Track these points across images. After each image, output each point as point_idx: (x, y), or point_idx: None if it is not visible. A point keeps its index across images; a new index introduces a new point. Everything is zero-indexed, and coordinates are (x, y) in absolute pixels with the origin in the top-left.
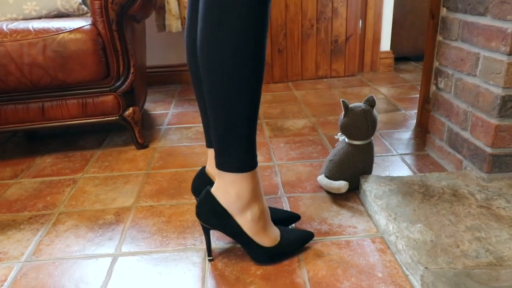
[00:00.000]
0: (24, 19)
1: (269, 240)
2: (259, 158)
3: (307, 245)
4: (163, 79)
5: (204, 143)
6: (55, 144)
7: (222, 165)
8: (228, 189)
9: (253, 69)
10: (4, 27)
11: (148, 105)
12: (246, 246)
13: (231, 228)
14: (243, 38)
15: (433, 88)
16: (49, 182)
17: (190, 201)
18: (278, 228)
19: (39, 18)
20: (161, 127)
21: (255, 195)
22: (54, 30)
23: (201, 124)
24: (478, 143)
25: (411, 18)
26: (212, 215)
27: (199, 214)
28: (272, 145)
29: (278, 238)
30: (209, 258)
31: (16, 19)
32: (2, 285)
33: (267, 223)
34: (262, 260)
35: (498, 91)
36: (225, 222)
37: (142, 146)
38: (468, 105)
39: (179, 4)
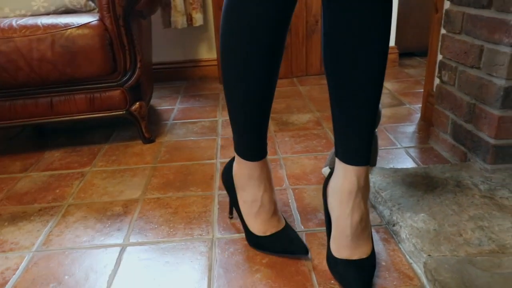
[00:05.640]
0: (33, 15)
1: (257, 229)
2: None
3: (312, 234)
4: (169, 75)
5: (208, 137)
6: (63, 138)
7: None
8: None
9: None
10: (14, 23)
11: (154, 101)
12: (242, 224)
13: (233, 200)
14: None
15: (437, 81)
16: (58, 175)
17: (196, 193)
18: (286, 226)
19: (47, 14)
20: (167, 122)
21: (249, 183)
22: (62, 25)
23: (206, 119)
24: (481, 134)
25: (416, 14)
26: (228, 182)
27: (223, 180)
28: (277, 139)
29: (273, 231)
30: (230, 216)
31: (25, 15)
32: (14, 274)
33: (262, 214)
34: (249, 242)
35: (501, 82)
36: (232, 193)
37: (149, 140)
38: (471, 97)
39: (184, 1)
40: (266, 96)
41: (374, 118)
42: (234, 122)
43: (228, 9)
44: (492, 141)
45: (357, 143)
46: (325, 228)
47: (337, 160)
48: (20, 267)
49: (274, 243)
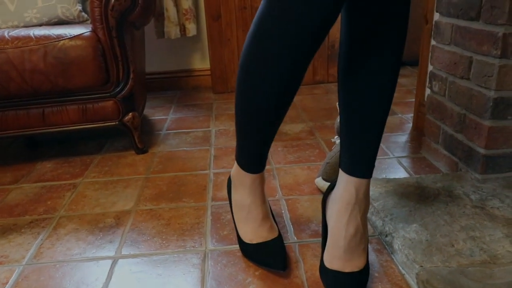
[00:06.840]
0: (25, 26)
1: (245, 235)
2: None
3: (305, 245)
4: (162, 85)
5: (201, 148)
6: (55, 149)
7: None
8: None
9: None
10: (6, 34)
11: (147, 111)
12: (235, 228)
13: (230, 202)
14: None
15: (428, 91)
16: (49, 187)
17: (189, 204)
18: (276, 238)
19: (40, 25)
20: (160, 132)
21: (240, 187)
22: (54, 37)
23: (200, 129)
24: (472, 145)
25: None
26: (230, 184)
27: (228, 181)
28: (270, 149)
29: (259, 241)
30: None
31: (17, 27)
32: None
33: (250, 222)
34: (239, 245)
35: (490, 93)
36: (230, 191)
37: (142, 151)
38: (461, 107)
39: (178, 11)
40: (273, 122)
41: (381, 132)
42: (237, 132)
43: (256, 34)
44: (482, 151)
45: (361, 155)
46: (318, 239)
47: (340, 170)
48: (10, 281)
49: (256, 252)
